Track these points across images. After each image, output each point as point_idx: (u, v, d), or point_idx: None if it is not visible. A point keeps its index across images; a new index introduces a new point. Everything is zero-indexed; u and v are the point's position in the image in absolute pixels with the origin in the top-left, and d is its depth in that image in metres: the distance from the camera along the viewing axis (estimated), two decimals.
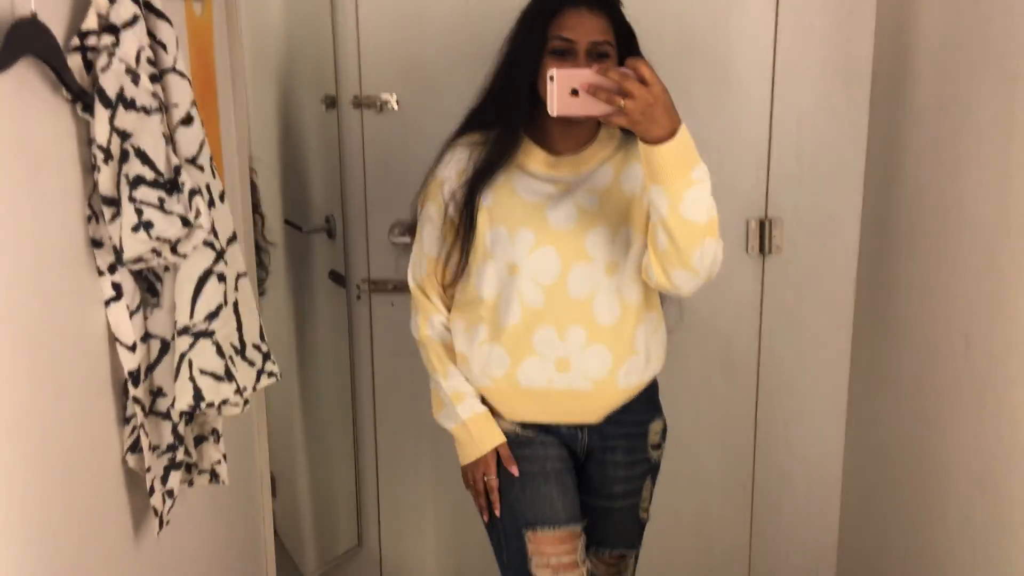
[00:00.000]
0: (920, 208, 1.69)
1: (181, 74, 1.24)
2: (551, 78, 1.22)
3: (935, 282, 1.63)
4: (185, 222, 1.19)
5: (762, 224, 2.02)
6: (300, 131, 2.07)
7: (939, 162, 1.62)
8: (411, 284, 1.57)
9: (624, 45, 1.41)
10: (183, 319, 1.25)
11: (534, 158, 1.45)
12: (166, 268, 1.28)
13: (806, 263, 2.04)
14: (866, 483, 2.01)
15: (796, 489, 2.16)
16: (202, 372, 1.26)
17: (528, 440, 1.50)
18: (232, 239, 1.34)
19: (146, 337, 1.27)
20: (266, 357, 1.41)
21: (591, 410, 1.48)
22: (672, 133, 1.21)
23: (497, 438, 1.49)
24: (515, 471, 1.47)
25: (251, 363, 1.37)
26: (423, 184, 1.54)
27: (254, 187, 2.01)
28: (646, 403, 1.53)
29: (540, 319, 1.42)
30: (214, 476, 1.43)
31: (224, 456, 1.43)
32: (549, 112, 1.24)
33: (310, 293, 2.16)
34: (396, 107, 2.03)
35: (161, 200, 1.18)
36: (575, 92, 1.21)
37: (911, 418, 1.74)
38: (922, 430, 1.68)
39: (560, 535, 1.45)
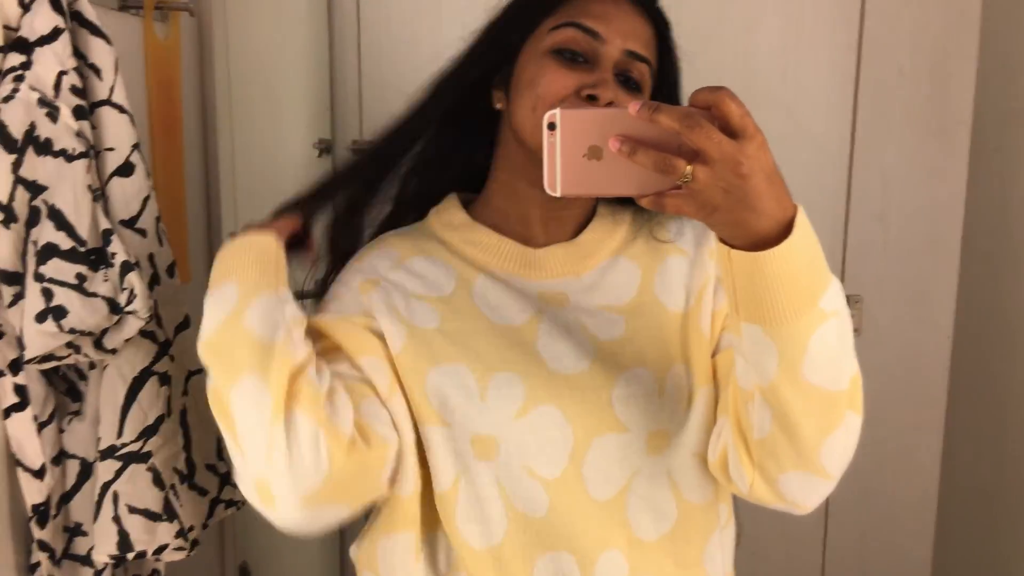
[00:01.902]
0: None
1: (120, 108, 0.94)
2: (551, 125, 0.65)
3: None
4: (114, 307, 0.88)
5: None
6: (286, 179, 1.78)
7: None
8: None
9: (663, 84, 0.88)
10: (108, 437, 0.94)
11: (498, 254, 0.87)
12: (91, 365, 0.96)
13: (890, 349, 1.74)
14: None
15: None
16: (131, 510, 0.94)
17: None
18: (183, 326, 1.02)
19: (60, 458, 0.95)
20: (224, 480, 1.08)
21: None
22: (783, 228, 0.64)
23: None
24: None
25: (202, 491, 1.04)
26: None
27: None
28: None
29: (545, 539, 0.81)
30: None
31: None
32: (547, 188, 0.66)
33: None
34: None
35: (81, 277, 0.87)
36: (595, 152, 0.66)
37: (1013, 539, 1.43)
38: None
39: None
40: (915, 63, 1.66)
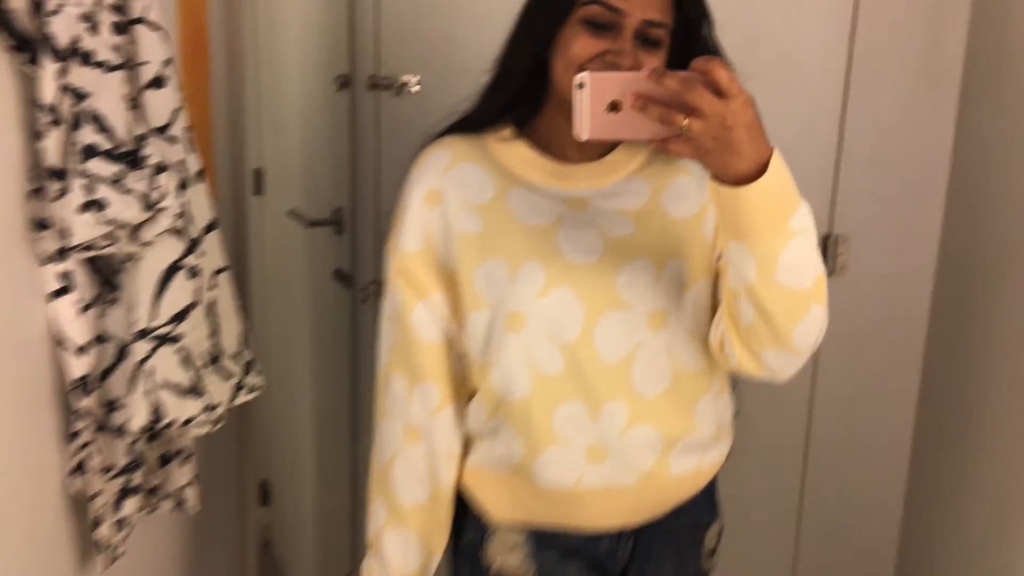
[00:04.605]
0: (1012, 230, 1.47)
1: (153, 26, 1.04)
2: (580, 85, 0.84)
3: None
4: (148, 203, 0.99)
5: (826, 241, 1.79)
6: (306, 113, 1.87)
7: None
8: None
9: (684, 32, 1.03)
10: (142, 320, 1.05)
11: (533, 166, 1.07)
12: (127, 258, 1.07)
13: (874, 287, 1.82)
14: (927, 544, 1.77)
15: (847, 546, 1.92)
16: (163, 384, 1.05)
17: None
18: (211, 227, 1.13)
19: (99, 339, 1.07)
20: (248, 368, 1.20)
21: (635, 510, 1.09)
22: (760, 167, 0.83)
23: None
24: None
25: (228, 375, 1.16)
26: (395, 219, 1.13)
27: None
28: (705, 500, 1.16)
29: (561, 392, 1.03)
30: (180, 502, 1.23)
31: (195, 478, 1.22)
32: (575, 134, 0.87)
33: (312, 293, 1.96)
34: (417, 89, 1.82)
35: (118, 176, 0.98)
36: (614, 106, 0.84)
37: (982, 472, 1.51)
38: (998, 486, 1.45)
39: None
40: (910, 15, 1.71)
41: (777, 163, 0.84)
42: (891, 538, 1.91)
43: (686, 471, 1.09)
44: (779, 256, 0.87)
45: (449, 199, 1.07)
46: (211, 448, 1.48)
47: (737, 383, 1.16)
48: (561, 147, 1.08)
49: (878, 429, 1.88)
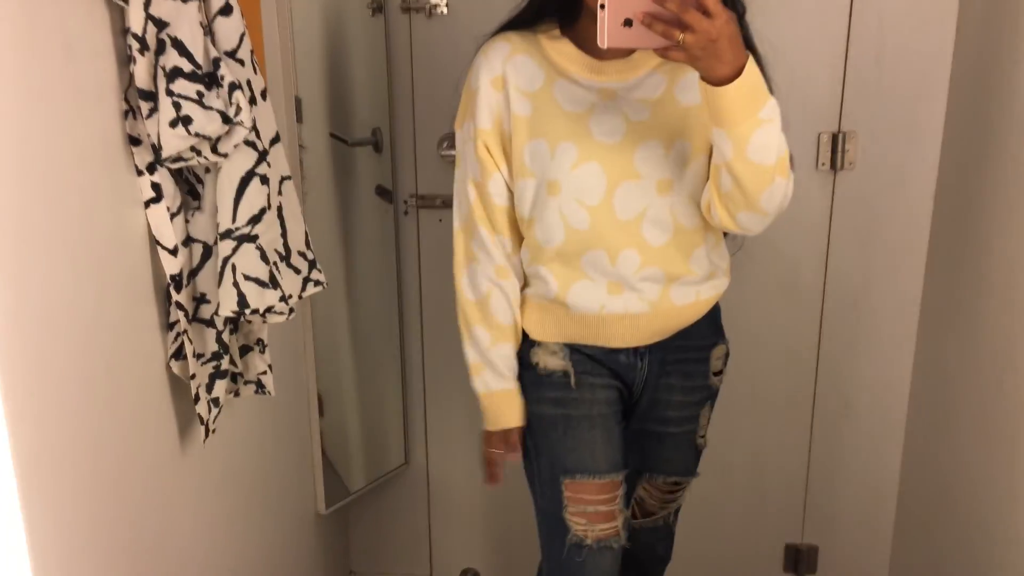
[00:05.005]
0: (1013, 123, 1.55)
1: None
2: (602, 6, 1.07)
3: None
4: (225, 119, 1.13)
5: (835, 137, 1.90)
6: (345, 38, 1.98)
7: None
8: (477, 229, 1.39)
9: None
10: (225, 222, 1.20)
11: (574, 62, 1.29)
12: (207, 170, 1.22)
13: (881, 180, 1.93)
14: (933, 415, 1.92)
15: (858, 417, 2.08)
16: (246, 277, 1.21)
17: (578, 381, 1.39)
18: (275, 140, 1.27)
19: (187, 241, 1.23)
20: (312, 265, 1.35)
21: (647, 332, 1.37)
22: (737, 71, 1.08)
23: (511, 420, 1.43)
24: (502, 467, 1.48)
25: (296, 270, 1.32)
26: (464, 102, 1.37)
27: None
28: (709, 327, 1.43)
29: (587, 242, 1.30)
30: (260, 386, 1.40)
31: (270, 367, 1.40)
32: (598, 43, 1.09)
33: (356, 209, 2.10)
34: (446, 11, 1.93)
35: (200, 94, 1.12)
36: (628, 22, 1.08)
37: (987, 350, 1.63)
38: (998, 363, 1.58)
39: (599, 484, 1.37)
40: None
41: (751, 68, 1.09)
42: (899, 409, 2.06)
43: (686, 302, 1.35)
44: (749, 139, 1.13)
45: (509, 85, 1.30)
46: (279, 357, 1.65)
47: (729, 236, 1.43)
48: (596, 46, 1.22)
49: (887, 311, 2.00)
